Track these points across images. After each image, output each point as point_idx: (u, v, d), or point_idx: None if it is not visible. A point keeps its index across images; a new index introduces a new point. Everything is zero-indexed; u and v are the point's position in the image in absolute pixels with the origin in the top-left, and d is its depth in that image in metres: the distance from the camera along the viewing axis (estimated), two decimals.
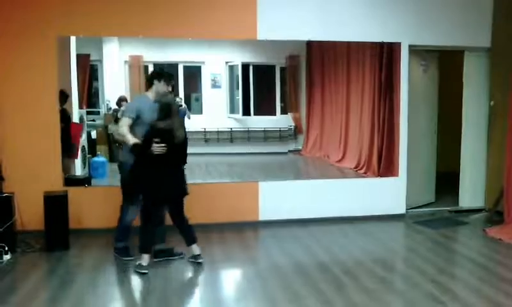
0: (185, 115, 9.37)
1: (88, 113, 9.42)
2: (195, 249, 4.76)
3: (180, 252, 4.93)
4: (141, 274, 4.46)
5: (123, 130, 4.57)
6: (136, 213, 4.82)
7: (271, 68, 11.80)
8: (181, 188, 4.62)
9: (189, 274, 4.70)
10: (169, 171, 4.49)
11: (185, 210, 4.80)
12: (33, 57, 5.53)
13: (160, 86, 4.72)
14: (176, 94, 10.23)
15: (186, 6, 5.83)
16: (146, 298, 4.12)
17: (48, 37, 5.54)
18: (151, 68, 11.14)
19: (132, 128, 4.60)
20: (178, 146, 4.49)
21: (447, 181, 7.39)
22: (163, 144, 4.35)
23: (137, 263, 4.56)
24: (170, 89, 4.77)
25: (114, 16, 5.70)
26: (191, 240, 4.74)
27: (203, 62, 11.54)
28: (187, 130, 4.79)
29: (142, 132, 4.52)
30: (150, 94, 4.75)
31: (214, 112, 11.55)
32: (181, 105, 9.50)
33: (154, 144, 4.34)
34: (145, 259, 4.53)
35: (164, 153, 4.37)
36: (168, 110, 4.45)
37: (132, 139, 4.49)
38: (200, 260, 4.73)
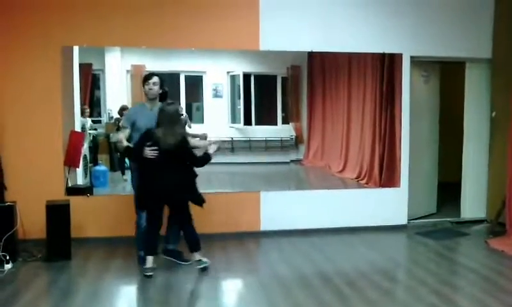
0: (186, 124, 9.38)
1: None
2: (196, 256, 4.81)
3: (188, 260, 4.97)
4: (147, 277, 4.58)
5: (119, 136, 4.84)
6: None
7: (272, 78, 11.81)
8: (175, 193, 4.69)
9: (191, 284, 4.68)
10: (161, 175, 4.59)
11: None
12: (37, 66, 5.57)
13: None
14: (178, 103, 10.26)
15: (189, 17, 5.86)
16: None
17: (53, 47, 5.58)
18: None
19: (132, 136, 4.82)
20: (168, 152, 4.58)
21: (448, 192, 7.39)
22: (155, 148, 4.54)
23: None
24: (149, 89, 4.86)
25: (118, 26, 5.74)
26: (192, 247, 4.80)
27: (205, 72, 11.57)
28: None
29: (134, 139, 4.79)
30: (147, 102, 4.93)
31: (215, 121, 11.54)
32: (182, 114, 9.51)
33: (146, 148, 4.54)
34: (149, 261, 4.65)
35: (155, 157, 4.55)
36: (162, 117, 4.63)
37: (125, 143, 4.73)
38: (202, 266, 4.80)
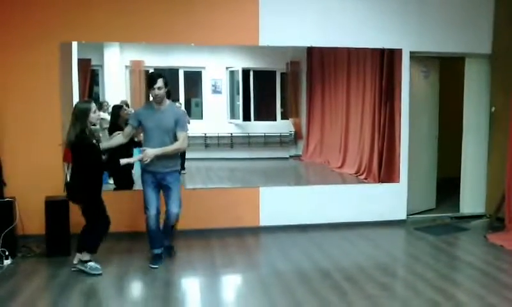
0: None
1: None
2: (77, 256, 4.68)
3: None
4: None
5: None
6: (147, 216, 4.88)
7: (271, 74, 11.80)
8: (70, 192, 4.67)
9: (190, 280, 4.69)
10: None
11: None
12: (36, 63, 5.56)
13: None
14: (176, 99, 10.25)
15: (188, 12, 5.85)
16: (146, 304, 4.10)
17: (51, 43, 5.57)
18: None
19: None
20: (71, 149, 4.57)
21: (447, 187, 7.40)
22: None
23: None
24: (156, 94, 4.71)
25: (117, 22, 5.73)
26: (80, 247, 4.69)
27: (204, 68, 11.55)
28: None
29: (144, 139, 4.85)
30: (155, 103, 4.81)
31: (214, 117, 11.55)
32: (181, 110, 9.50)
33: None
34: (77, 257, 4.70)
35: None
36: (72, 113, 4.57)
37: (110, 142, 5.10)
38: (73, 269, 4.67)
